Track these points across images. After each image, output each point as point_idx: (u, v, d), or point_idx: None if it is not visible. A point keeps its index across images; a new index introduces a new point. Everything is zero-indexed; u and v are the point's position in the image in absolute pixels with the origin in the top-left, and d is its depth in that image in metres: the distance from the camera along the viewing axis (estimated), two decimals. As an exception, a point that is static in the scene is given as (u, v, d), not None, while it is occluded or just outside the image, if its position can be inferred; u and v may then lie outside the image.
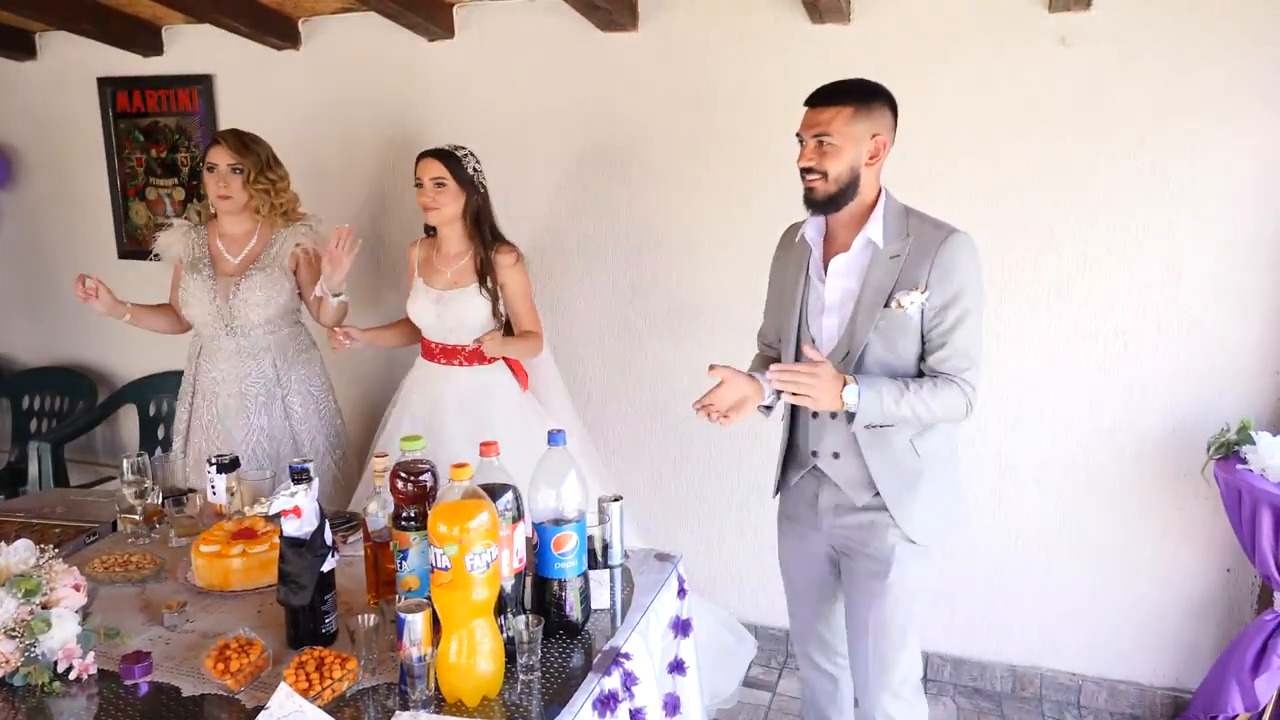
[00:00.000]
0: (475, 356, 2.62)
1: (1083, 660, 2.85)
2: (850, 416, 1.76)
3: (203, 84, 3.45)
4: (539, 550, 1.63)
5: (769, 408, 1.97)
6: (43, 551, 1.58)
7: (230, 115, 3.45)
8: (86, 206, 3.76)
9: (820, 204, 1.83)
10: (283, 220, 2.73)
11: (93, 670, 1.51)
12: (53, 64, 3.67)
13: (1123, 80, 2.52)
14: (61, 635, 1.49)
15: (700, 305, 3.03)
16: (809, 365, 1.74)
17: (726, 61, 2.84)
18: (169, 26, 3.44)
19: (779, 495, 2.10)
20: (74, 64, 3.61)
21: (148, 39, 3.42)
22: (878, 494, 1.86)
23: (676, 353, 3.09)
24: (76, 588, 1.55)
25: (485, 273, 2.58)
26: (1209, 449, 2.44)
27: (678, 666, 1.83)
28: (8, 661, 1.45)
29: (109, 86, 3.58)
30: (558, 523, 1.61)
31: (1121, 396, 2.67)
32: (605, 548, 1.79)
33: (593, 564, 1.73)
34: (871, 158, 1.81)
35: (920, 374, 1.83)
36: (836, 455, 1.90)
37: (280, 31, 3.22)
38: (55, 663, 1.48)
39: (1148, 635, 2.77)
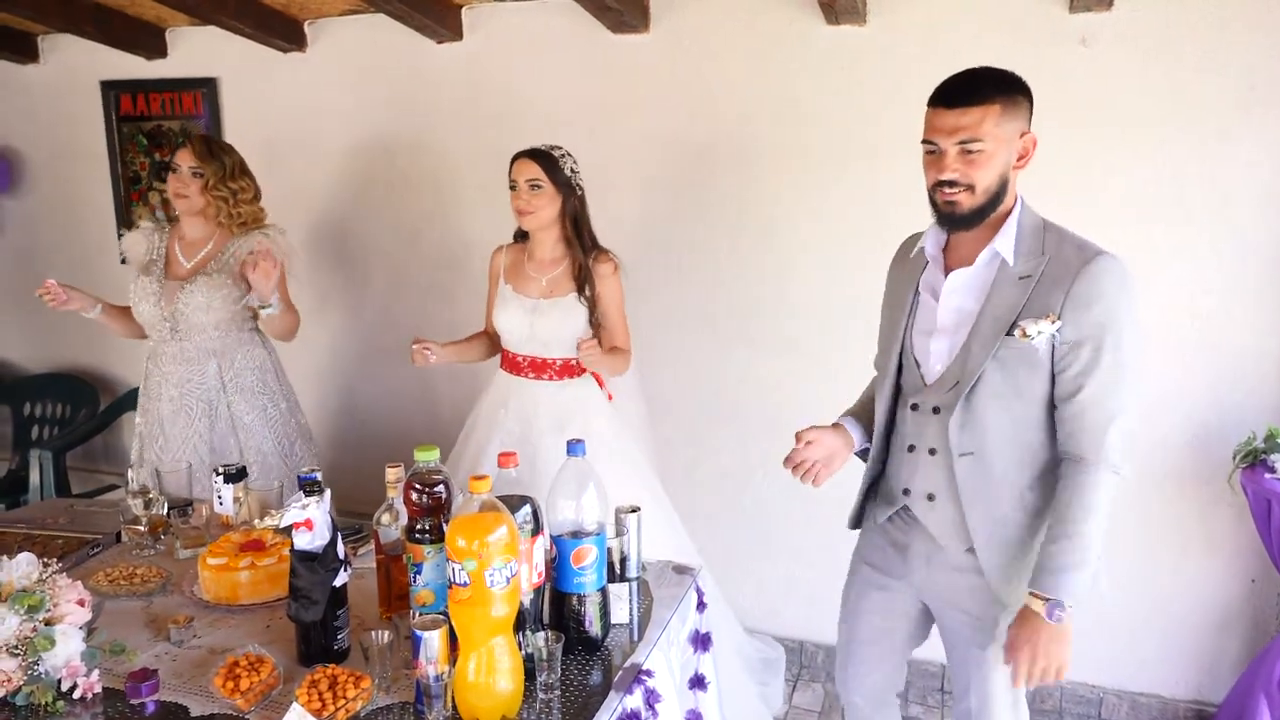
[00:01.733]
0: (566, 370, 2.47)
1: (1103, 672, 2.79)
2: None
3: (207, 87, 3.41)
4: (557, 564, 1.58)
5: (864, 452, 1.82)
6: (46, 566, 1.53)
7: (235, 118, 3.42)
8: (89, 211, 3.72)
9: (962, 221, 1.58)
10: (241, 229, 2.69)
11: (98, 689, 1.46)
12: (55, 67, 3.63)
13: (1143, 81, 2.47)
14: (65, 653, 1.44)
15: (711, 311, 2.99)
16: (1018, 662, 1.56)
17: (740, 64, 2.80)
18: (173, 29, 3.41)
19: (860, 533, 1.90)
20: (77, 67, 3.57)
21: (151, 41, 3.39)
22: (973, 548, 1.65)
23: (692, 359, 3.04)
24: (81, 603, 1.51)
25: (584, 281, 2.43)
26: (1235, 457, 2.39)
27: (698, 682, 1.78)
28: (9, 680, 1.40)
29: (112, 89, 3.54)
30: (577, 535, 1.57)
31: (1143, 403, 2.61)
32: (623, 560, 1.75)
33: (611, 577, 1.69)
34: (1020, 159, 1.58)
35: (1050, 417, 1.59)
36: (931, 498, 1.69)
37: (285, 33, 3.19)
38: (59, 681, 1.43)
39: (1170, 647, 2.72)
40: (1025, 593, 1.58)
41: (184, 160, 2.63)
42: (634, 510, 1.78)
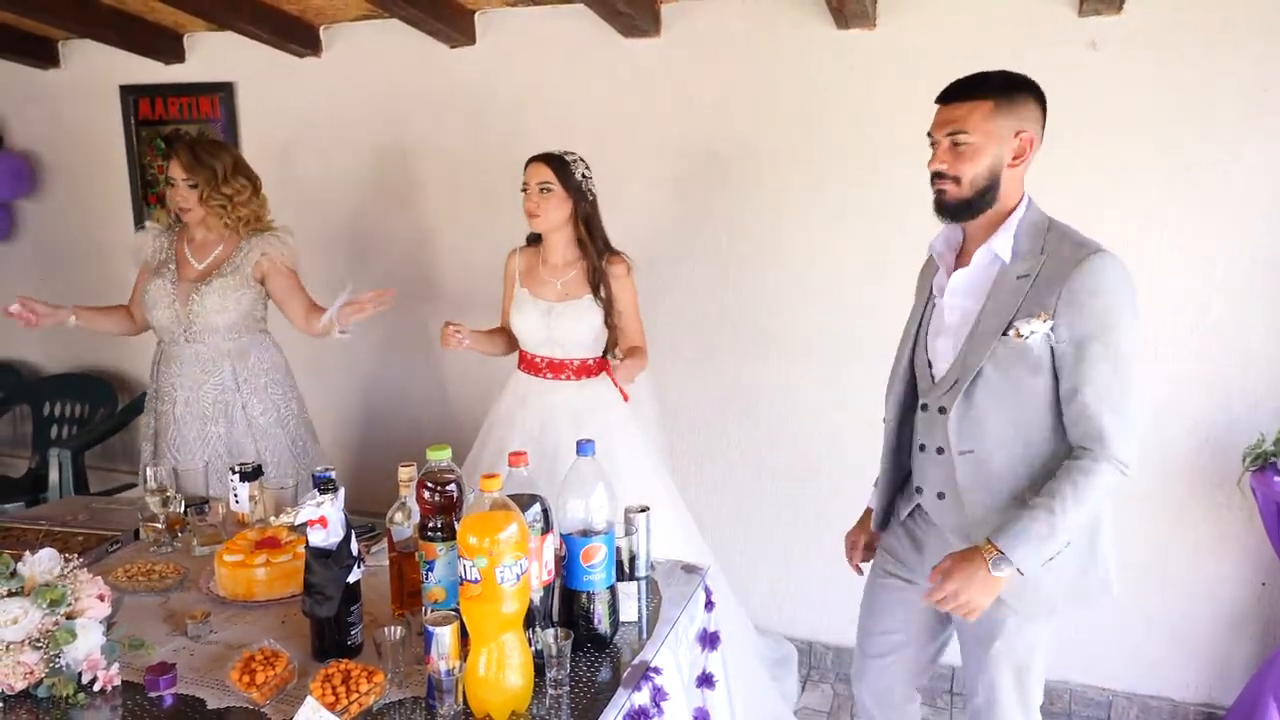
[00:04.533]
0: (583, 370, 2.51)
1: (1113, 675, 2.80)
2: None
3: (224, 91, 3.46)
4: (567, 562, 1.60)
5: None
6: (67, 561, 1.56)
7: (251, 122, 3.46)
8: (108, 213, 3.77)
9: (951, 210, 1.64)
10: (252, 228, 2.69)
11: (117, 682, 1.49)
12: (75, 72, 3.69)
13: (1154, 84, 2.48)
14: (86, 646, 1.47)
15: (724, 314, 3.01)
16: (939, 589, 1.59)
17: (750, 67, 2.82)
18: (191, 34, 3.45)
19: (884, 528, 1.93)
20: (97, 72, 3.62)
21: (170, 46, 3.43)
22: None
23: (702, 361, 3.06)
24: (101, 598, 1.54)
25: (598, 283, 2.47)
26: (1244, 460, 2.40)
27: (706, 680, 1.80)
28: (32, 672, 1.43)
29: (131, 94, 3.59)
30: (586, 534, 1.59)
31: (1152, 405, 2.62)
32: (632, 559, 1.76)
33: (619, 575, 1.71)
34: (1015, 158, 1.61)
35: (1055, 417, 1.59)
36: (941, 496, 1.72)
37: (301, 38, 3.23)
38: (79, 674, 1.47)
39: (1180, 650, 2.72)
40: (985, 539, 1.58)
41: (175, 173, 2.61)
42: (643, 510, 1.80)
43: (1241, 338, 2.53)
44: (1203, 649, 2.70)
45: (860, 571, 2.00)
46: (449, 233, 3.30)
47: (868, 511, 1.99)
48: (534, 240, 2.61)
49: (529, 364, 2.57)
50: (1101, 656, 2.80)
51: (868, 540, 1.97)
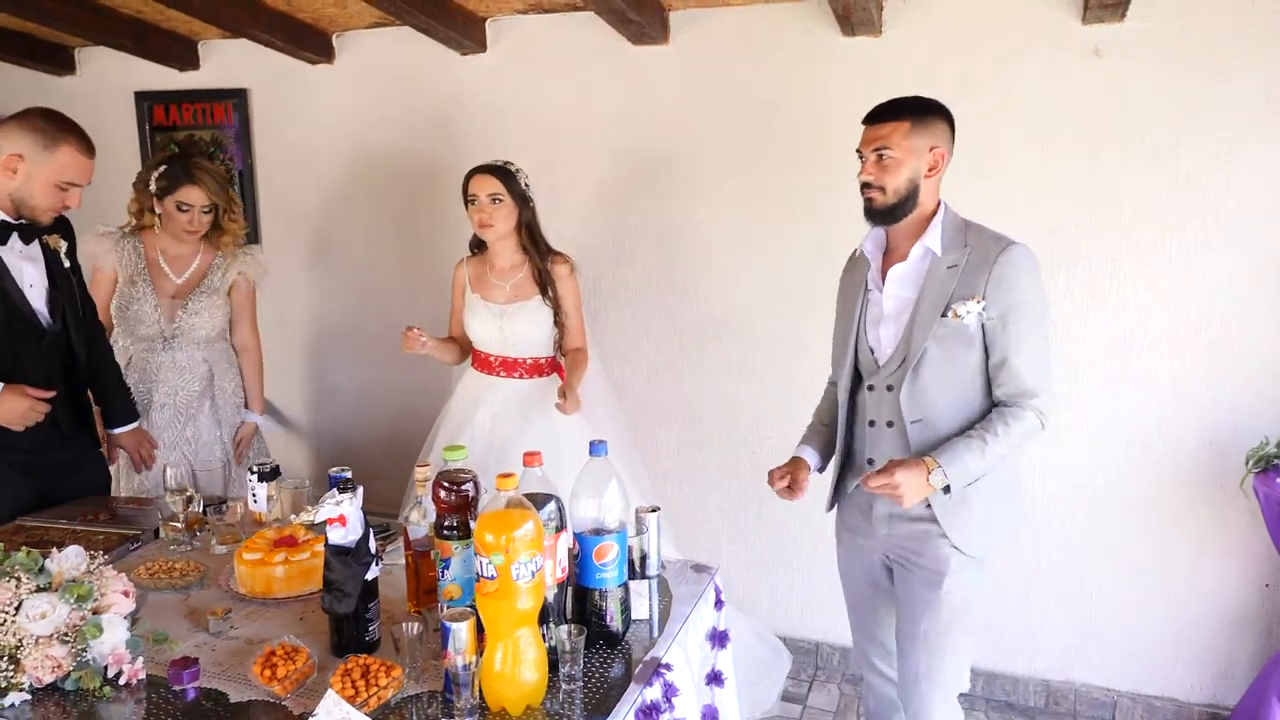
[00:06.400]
0: (535, 369, 2.63)
1: (1118, 676, 2.82)
2: (945, 488, 1.81)
3: (238, 98, 3.50)
4: (580, 560, 1.63)
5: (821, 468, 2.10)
6: (92, 558, 1.60)
7: (264, 128, 3.51)
8: (121, 219, 3.79)
9: (879, 215, 1.89)
10: (227, 245, 2.81)
11: (142, 675, 1.52)
12: (91, 79, 3.73)
13: (1156, 90, 2.51)
14: (112, 640, 1.51)
15: (730, 316, 3.04)
16: (886, 475, 1.78)
17: (758, 74, 2.85)
18: (205, 41, 3.50)
19: (835, 506, 2.13)
20: (112, 78, 3.67)
21: (184, 54, 3.48)
22: (930, 504, 1.88)
23: (709, 363, 3.09)
24: (126, 594, 1.57)
25: (545, 283, 2.60)
26: (1248, 462, 2.42)
27: (715, 678, 1.83)
28: (59, 666, 1.47)
29: (145, 100, 3.64)
30: (599, 533, 1.62)
31: (1156, 408, 2.65)
32: (643, 558, 1.80)
33: (631, 574, 1.74)
34: (930, 169, 1.87)
35: (984, 381, 1.86)
36: None
37: (315, 46, 3.27)
38: (105, 668, 1.50)
39: (1184, 650, 2.75)
40: (929, 457, 1.81)
41: (196, 200, 2.70)
42: (654, 510, 1.83)
43: (1245, 342, 2.55)
44: (1207, 650, 2.72)
45: (785, 493, 2.05)
46: (461, 237, 3.33)
47: (795, 459, 2.09)
48: (477, 248, 2.73)
49: (482, 362, 2.68)
50: (1106, 657, 2.82)
51: (796, 479, 2.04)
